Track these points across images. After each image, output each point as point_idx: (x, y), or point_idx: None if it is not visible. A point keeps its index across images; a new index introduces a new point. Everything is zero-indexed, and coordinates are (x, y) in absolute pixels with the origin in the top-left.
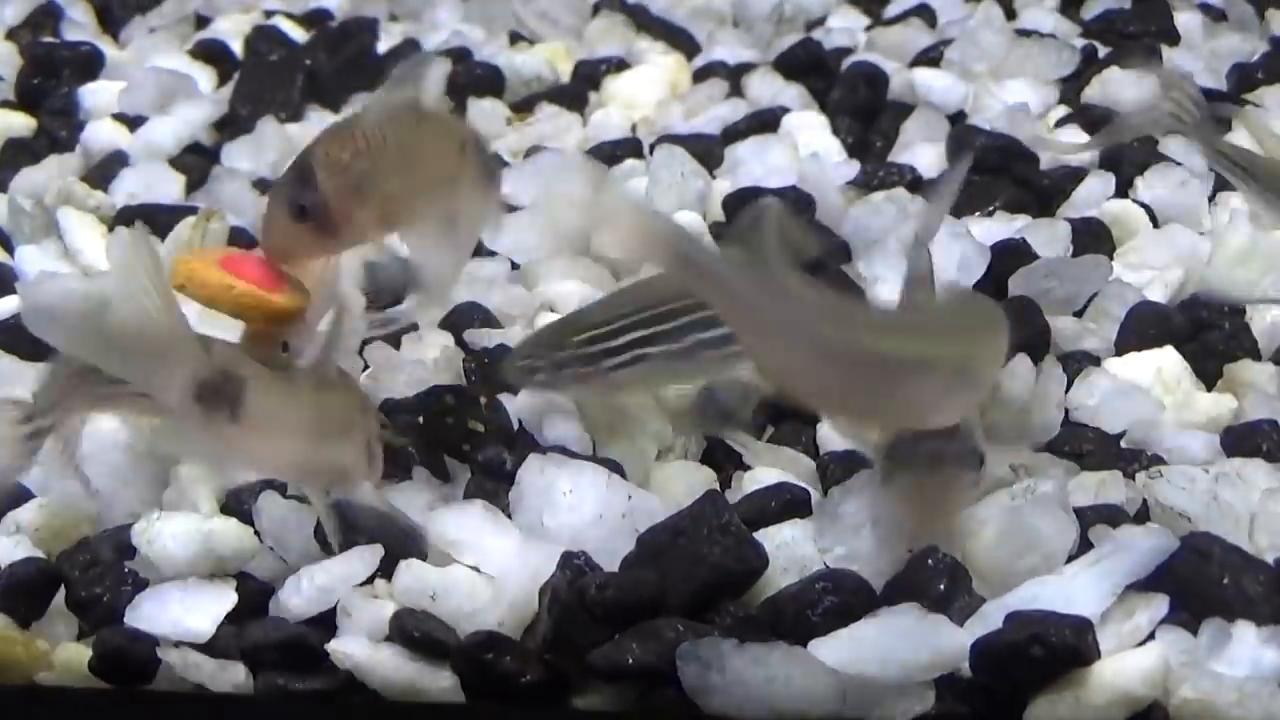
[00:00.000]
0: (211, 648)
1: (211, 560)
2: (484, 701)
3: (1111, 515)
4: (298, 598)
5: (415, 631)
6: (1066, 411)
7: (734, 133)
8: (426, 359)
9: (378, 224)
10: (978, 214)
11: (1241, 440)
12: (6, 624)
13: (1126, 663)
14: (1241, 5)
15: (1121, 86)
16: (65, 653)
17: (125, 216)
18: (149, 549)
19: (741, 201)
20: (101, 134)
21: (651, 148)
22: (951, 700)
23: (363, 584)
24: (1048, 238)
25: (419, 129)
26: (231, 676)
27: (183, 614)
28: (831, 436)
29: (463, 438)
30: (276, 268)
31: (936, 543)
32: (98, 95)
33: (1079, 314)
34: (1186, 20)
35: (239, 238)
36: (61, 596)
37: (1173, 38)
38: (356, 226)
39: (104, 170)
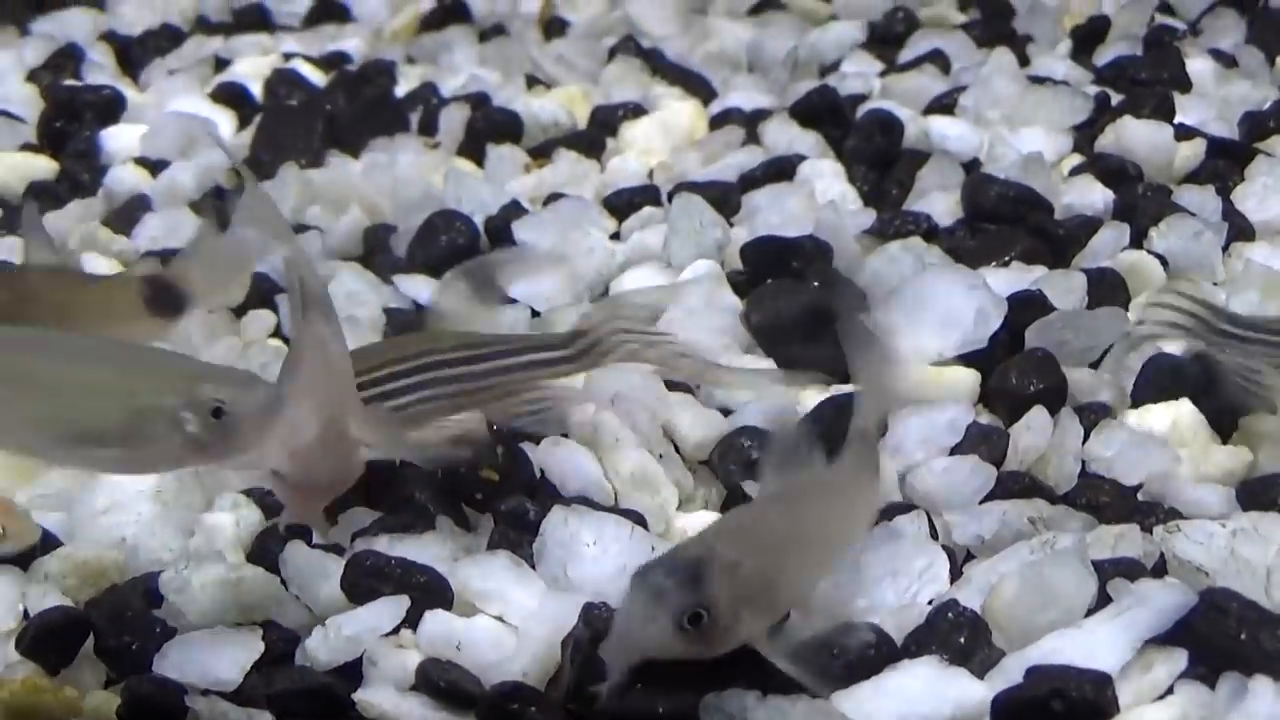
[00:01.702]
0: (239, 696)
1: (238, 609)
2: None
3: (1129, 569)
4: (324, 647)
5: (441, 681)
6: (1083, 463)
7: (751, 180)
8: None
9: None
10: (994, 264)
11: (1257, 493)
12: (35, 671)
13: (1145, 717)
14: (1253, 52)
15: (1136, 136)
16: (94, 700)
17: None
18: (177, 597)
19: (760, 251)
20: (123, 178)
21: (670, 195)
22: None
23: (389, 634)
24: (1064, 289)
25: None
26: None
27: (210, 662)
28: None
29: (477, 487)
30: None
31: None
32: (119, 139)
33: (1095, 365)
34: (1198, 67)
35: (261, 282)
36: (90, 644)
37: (1184, 85)
38: None
39: (126, 214)
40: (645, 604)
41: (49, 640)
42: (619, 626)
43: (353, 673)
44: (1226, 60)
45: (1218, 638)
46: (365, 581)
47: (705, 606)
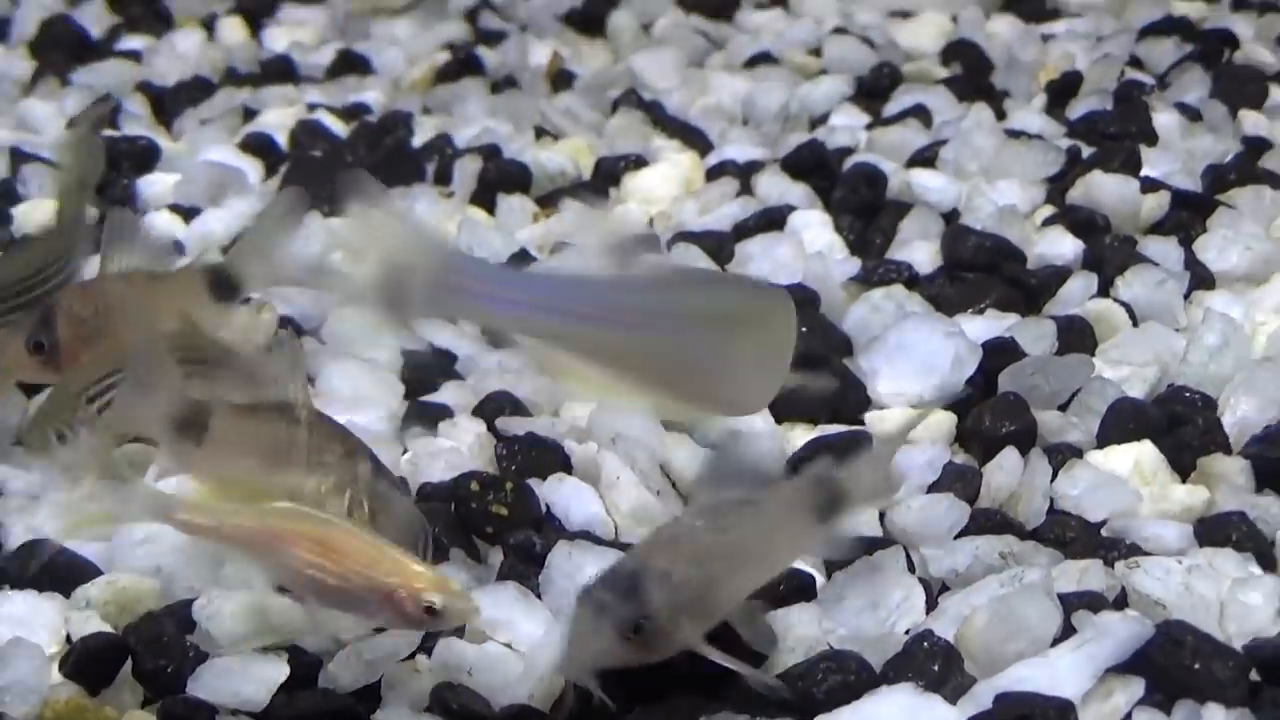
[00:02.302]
0: (266, 716)
1: (265, 634)
2: None
3: (1092, 602)
4: (345, 670)
5: (454, 704)
6: (1051, 501)
7: (744, 229)
8: (462, 446)
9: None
10: (970, 311)
11: (1213, 530)
12: (78, 692)
13: None
14: (1216, 106)
15: (1104, 188)
16: (132, 719)
17: None
18: (209, 624)
19: None
20: (159, 224)
21: (669, 244)
22: None
23: (405, 659)
24: (1035, 335)
25: None
26: None
27: (240, 684)
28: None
29: (485, 521)
30: None
31: None
32: (154, 186)
33: (1063, 408)
34: (1164, 120)
35: (287, 325)
36: (128, 667)
37: (1151, 138)
38: None
39: (162, 260)
40: (591, 619)
41: (90, 663)
42: (570, 642)
43: (372, 695)
44: (1191, 114)
45: (1173, 667)
46: None
47: (645, 616)
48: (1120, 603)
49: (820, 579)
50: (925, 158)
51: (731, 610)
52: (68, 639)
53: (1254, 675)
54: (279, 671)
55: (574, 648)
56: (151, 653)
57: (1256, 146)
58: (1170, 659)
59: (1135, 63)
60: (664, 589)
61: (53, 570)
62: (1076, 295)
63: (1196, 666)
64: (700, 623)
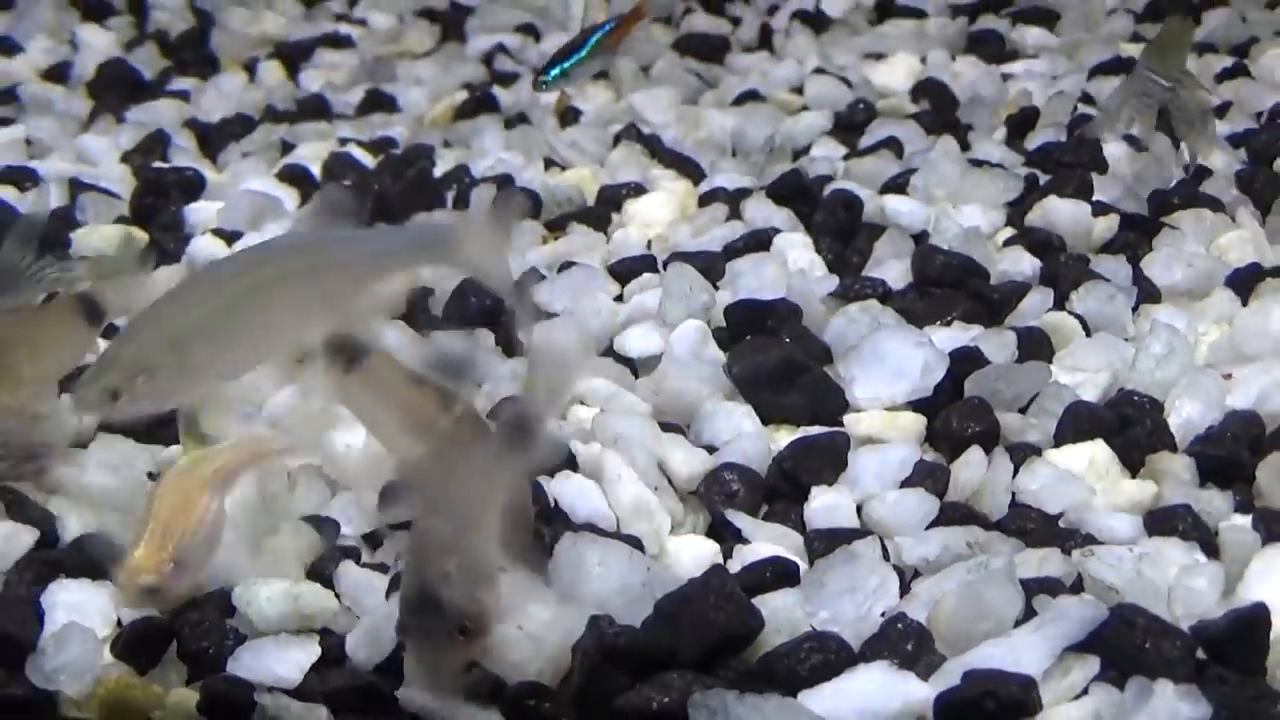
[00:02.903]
0: (299, 692)
1: (299, 619)
2: None
3: (1051, 587)
4: (361, 649)
5: (470, 681)
6: (1013, 495)
7: (733, 250)
8: None
9: None
10: (938, 323)
11: (1160, 521)
12: (127, 672)
13: (1064, 715)
14: (1160, 138)
15: (1059, 212)
16: (176, 696)
17: None
18: (247, 609)
19: (740, 312)
20: (204, 247)
21: (665, 264)
22: None
23: None
24: (997, 345)
25: None
26: (315, 716)
27: (274, 664)
28: (817, 513)
29: None
30: None
31: None
32: (200, 213)
33: (1023, 411)
34: (1113, 150)
35: None
36: (173, 649)
37: (1102, 167)
38: None
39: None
40: (428, 649)
41: (138, 645)
42: (428, 671)
43: (396, 672)
44: (1138, 145)
45: (1126, 646)
46: None
47: (461, 616)
48: (1076, 588)
49: (804, 566)
50: (897, 185)
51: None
52: (118, 623)
53: (1200, 654)
54: (310, 652)
55: (432, 678)
56: (194, 635)
57: (1197, 173)
58: (1123, 639)
59: (1086, 99)
60: (457, 585)
61: (106, 560)
62: (1035, 308)
63: (1147, 646)
64: (491, 586)
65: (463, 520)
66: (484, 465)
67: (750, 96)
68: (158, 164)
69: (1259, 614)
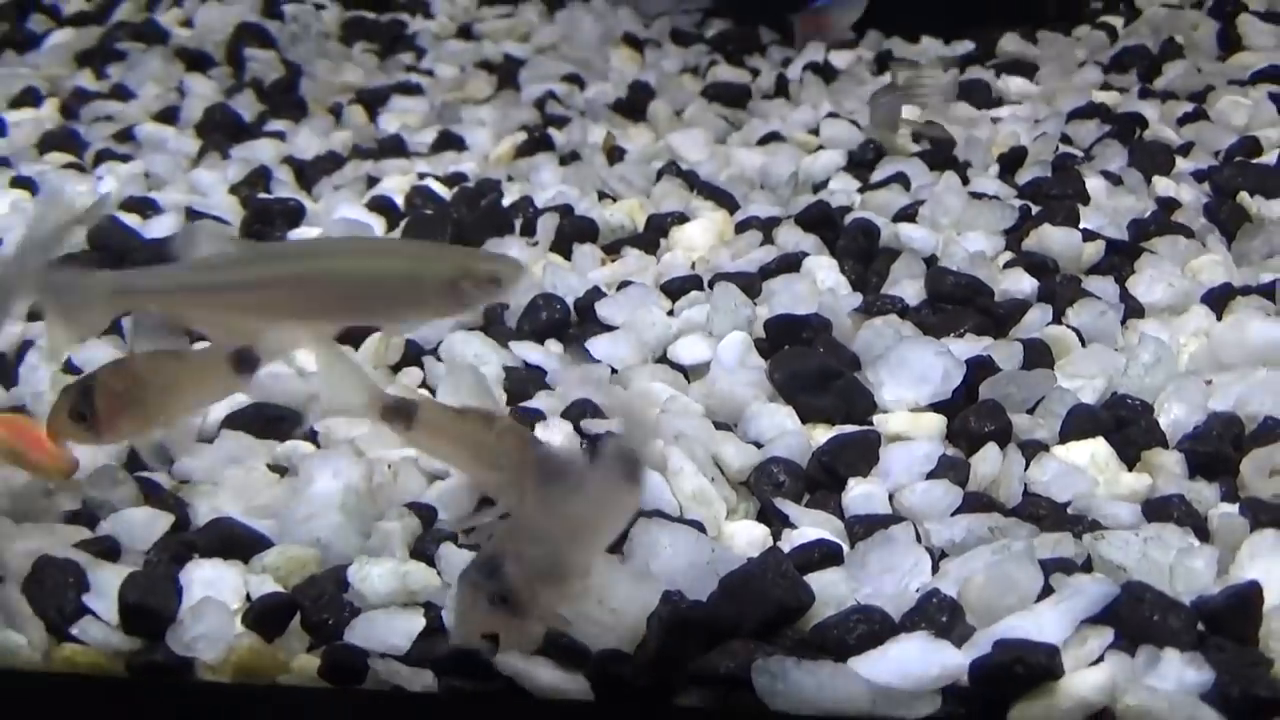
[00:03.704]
0: (407, 658)
1: (406, 593)
2: (609, 700)
3: (1066, 566)
4: None
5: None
6: (1026, 486)
7: (768, 271)
8: (554, 442)
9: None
10: (952, 335)
11: (1158, 509)
12: (256, 640)
13: (1084, 678)
14: (1133, 173)
15: (1052, 238)
16: (299, 662)
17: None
18: (361, 584)
19: (778, 325)
20: None
21: (710, 283)
22: (953, 704)
23: None
24: (1006, 354)
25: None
26: (422, 680)
27: (386, 633)
28: (855, 501)
29: None
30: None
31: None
32: (301, 238)
33: (1031, 412)
34: (1094, 184)
35: (411, 347)
36: (297, 620)
37: (1085, 198)
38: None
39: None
40: (468, 596)
41: (266, 616)
42: (455, 615)
43: (490, 640)
44: (1114, 179)
45: (1136, 619)
46: None
47: (506, 589)
48: (1087, 567)
49: (845, 547)
50: (908, 214)
51: (581, 577)
52: (247, 597)
53: (1199, 626)
54: (417, 623)
55: (458, 619)
56: (315, 608)
57: (1168, 205)
58: (1134, 612)
59: (1066, 139)
60: (518, 566)
61: (234, 542)
62: (1036, 322)
63: (1155, 618)
64: (553, 589)
65: (571, 529)
66: (604, 493)
67: (773, 137)
68: (262, 195)
69: (1252, 590)
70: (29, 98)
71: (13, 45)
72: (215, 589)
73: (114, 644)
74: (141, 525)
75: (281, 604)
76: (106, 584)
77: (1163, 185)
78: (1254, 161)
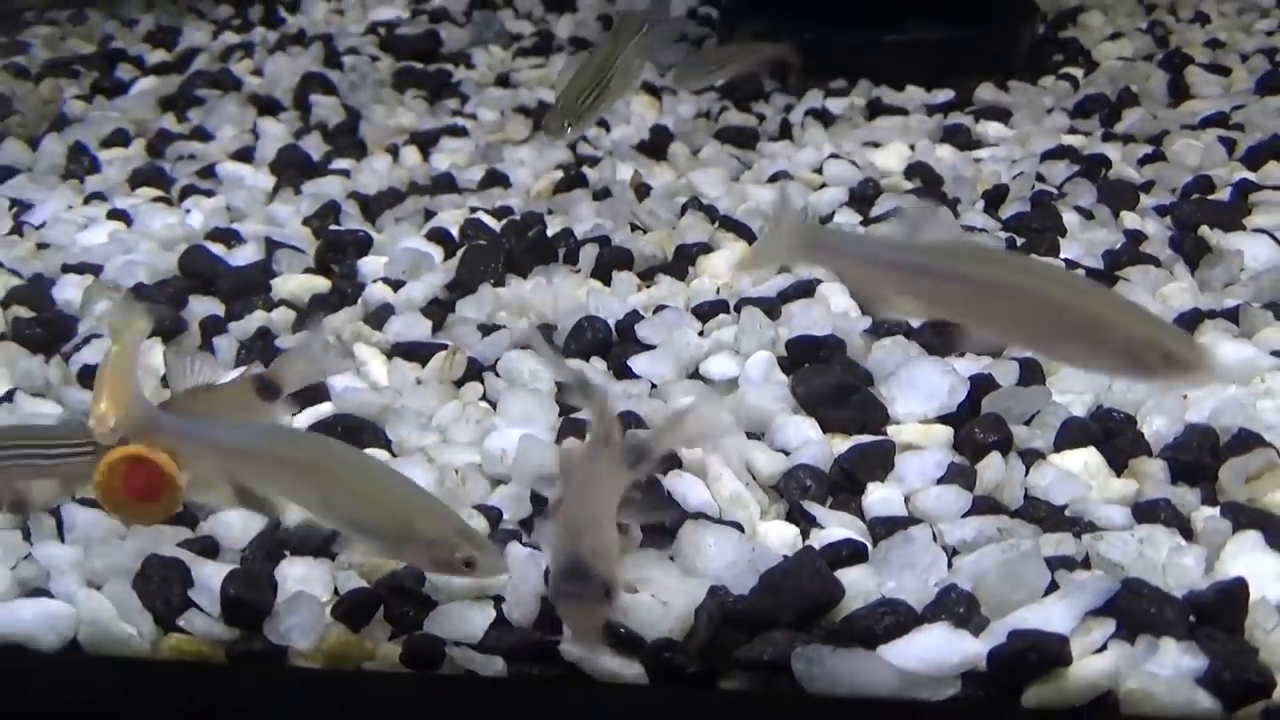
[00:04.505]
0: (480, 646)
1: (478, 588)
2: (662, 684)
3: (1068, 563)
4: (516, 609)
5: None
6: (1026, 490)
7: (787, 296)
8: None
9: None
10: (954, 355)
11: (1146, 512)
12: (344, 630)
13: (1090, 664)
14: (1103, 208)
15: None
16: (383, 650)
17: (399, 350)
18: (435, 580)
19: (799, 345)
20: (375, 292)
21: (736, 307)
22: (972, 687)
23: None
24: (1004, 372)
25: None
26: (493, 665)
27: (460, 624)
28: (874, 504)
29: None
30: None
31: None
32: (370, 265)
33: (1028, 423)
34: (1069, 218)
35: (473, 364)
36: (381, 612)
37: (1063, 231)
38: None
39: (378, 317)
40: (580, 608)
41: (353, 609)
42: (576, 630)
43: (558, 630)
44: (1086, 214)
45: (1135, 612)
46: None
47: (607, 582)
48: (1086, 564)
49: (869, 546)
50: None
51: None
52: (335, 591)
53: (1191, 618)
54: (487, 615)
55: (577, 633)
56: (396, 601)
57: (1136, 237)
58: (1133, 605)
59: (1040, 178)
60: (598, 559)
61: (322, 541)
62: None
63: (1153, 610)
64: (618, 565)
65: (595, 509)
66: (609, 473)
67: (781, 175)
68: (333, 227)
69: (1239, 585)
70: (119, 138)
71: (103, 92)
72: (307, 584)
73: (216, 634)
74: (238, 526)
75: (367, 598)
76: (208, 579)
77: (1130, 219)
78: (1210, 198)
